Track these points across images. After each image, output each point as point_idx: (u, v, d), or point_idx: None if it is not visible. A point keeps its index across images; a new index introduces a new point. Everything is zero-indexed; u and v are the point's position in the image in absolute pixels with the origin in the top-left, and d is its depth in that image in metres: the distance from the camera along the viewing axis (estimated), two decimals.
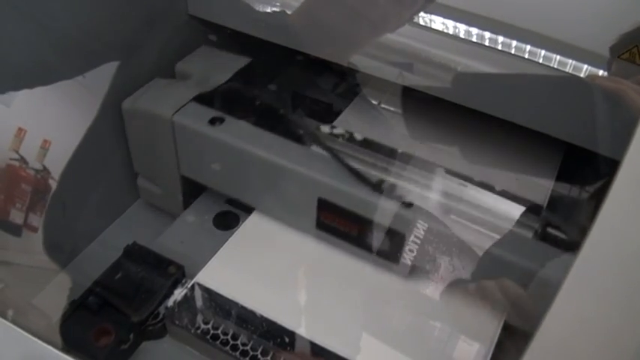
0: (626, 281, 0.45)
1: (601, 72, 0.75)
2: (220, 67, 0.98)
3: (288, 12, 0.94)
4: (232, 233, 0.88)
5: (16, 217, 0.78)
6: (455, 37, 0.81)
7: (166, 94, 0.90)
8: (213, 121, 0.86)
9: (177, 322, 0.81)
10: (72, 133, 0.85)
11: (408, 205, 0.75)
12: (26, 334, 0.60)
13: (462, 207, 0.79)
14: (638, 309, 0.44)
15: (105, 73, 0.89)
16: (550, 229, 0.78)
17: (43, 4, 0.82)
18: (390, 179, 0.79)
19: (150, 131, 0.90)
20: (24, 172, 0.77)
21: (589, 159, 0.79)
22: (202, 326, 0.82)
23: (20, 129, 0.76)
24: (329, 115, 1.01)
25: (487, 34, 0.79)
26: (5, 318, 0.62)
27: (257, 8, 0.95)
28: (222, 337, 0.81)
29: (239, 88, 0.97)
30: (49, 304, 0.79)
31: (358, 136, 0.89)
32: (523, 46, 0.77)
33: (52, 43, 0.83)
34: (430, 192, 0.81)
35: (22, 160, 0.76)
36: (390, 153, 0.86)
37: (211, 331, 0.81)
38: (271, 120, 0.91)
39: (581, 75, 0.75)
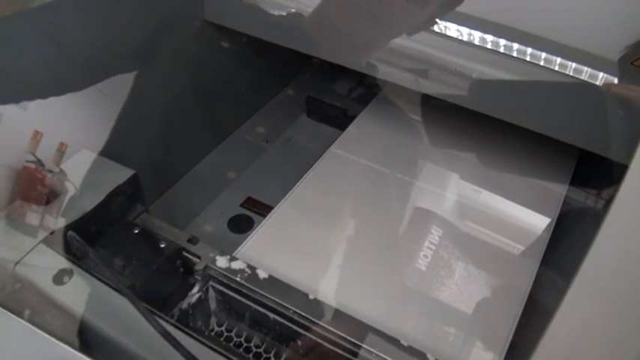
0: (632, 286, 0.45)
1: (616, 80, 0.75)
2: (94, 185, 0.79)
3: (304, 15, 0.93)
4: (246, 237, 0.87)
5: (32, 218, 0.78)
6: (470, 43, 0.81)
7: (12, 236, 0.74)
8: (58, 277, 0.69)
9: (190, 324, 0.82)
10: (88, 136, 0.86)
11: None
12: (44, 334, 0.61)
13: None
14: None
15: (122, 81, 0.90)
16: None
17: (56, 20, 0.83)
18: None
19: None
20: (40, 174, 0.77)
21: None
22: (216, 328, 0.83)
23: (37, 132, 0.76)
24: None
25: (502, 42, 0.79)
26: (22, 317, 0.63)
27: (273, 13, 0.95)
28: (235, 339, 0.81)
29: (105, 218, 0.78)
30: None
31: (262, 274, 0.72)
32: (538, 53, 0.77)
33: (64, 57, 0.84)
34: None
35: (39, 162, 0.77)
36: (298, 298, 0.70)
37: (225, 334, 0.82)
38: (143, 265, 0.75)
39: (597, 82, 0.75)
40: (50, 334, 0.61)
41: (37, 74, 0.82)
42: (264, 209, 1.06)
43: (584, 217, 0.91)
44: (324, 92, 1.27)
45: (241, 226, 1.02)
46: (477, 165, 0.96)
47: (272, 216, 0.84)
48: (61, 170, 0.78)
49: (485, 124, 0.85)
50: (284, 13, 0.94)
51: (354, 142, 0.99)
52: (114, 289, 0.67)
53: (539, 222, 0.86)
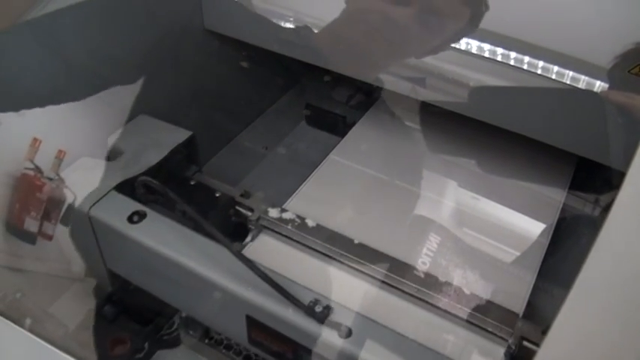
0: (627, 297, 0.45)
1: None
2: (155, 143, 0.87)
3: (301, 19, 0.93)
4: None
5: (31, 225, 0.78)
6: (467, 52, 0.82)
7: (88, 180, 0.80)
8: (132, 218, 0.75)
9: (191, 332, 0.82)
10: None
11: (347, 334, 0.64)
12: (43, 342, 0.61)
13: None
14: (637, 324, 0.44)
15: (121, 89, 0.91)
16: None
17: (56, 32, 0.84)
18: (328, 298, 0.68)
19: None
20: (39, 182, 0.77)
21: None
22: (216, 336, 0.82)
23: (35, 139, 0.76)
24: None
25: (499, 50, 0.79)
26: (22, 327, 0.63)
27: (271, 22, 0.95)
28: (235, 346, 0.81)
29: (170, 170, 0.86)
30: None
31: (310, 223, 0.80)
32: (535, 61, 0.78)
33: (63, 68, 0.84)
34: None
35: (37, 169, 0.77)
36: (344, 242, 0.78)
37: (224, 341, 0.82)
38: (203, 208, 0.82)
39: (595, 90, 0.75)
40: (51, 343, 0.61)
41: (38, 86, 0.82)
42: None
43: (583, 223, 0.91)
44: (323, 99, 1.27)
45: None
46: (475, 171, 0.96)
47: None
48: (60, 177, 0.78)
49: (483, 130, 0.85)
50: (283, 22, 0.94)
51: (353, 149, 0.99)
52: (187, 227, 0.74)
53: (537, 228, 0.86)
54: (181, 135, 0.88)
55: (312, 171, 0.94)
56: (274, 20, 0.95)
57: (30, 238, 0.78)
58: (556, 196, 0.90)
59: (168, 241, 0.72)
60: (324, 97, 1.28)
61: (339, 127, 1.21)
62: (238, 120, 1.22)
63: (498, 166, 0.97)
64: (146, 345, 0.77)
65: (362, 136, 1.03)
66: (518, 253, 0.83)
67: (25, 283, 0.76)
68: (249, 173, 1.18)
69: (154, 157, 0.84)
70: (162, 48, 0.97)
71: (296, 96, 1.32)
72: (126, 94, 0.91)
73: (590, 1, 0.75)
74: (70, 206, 0.77)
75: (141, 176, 0.79)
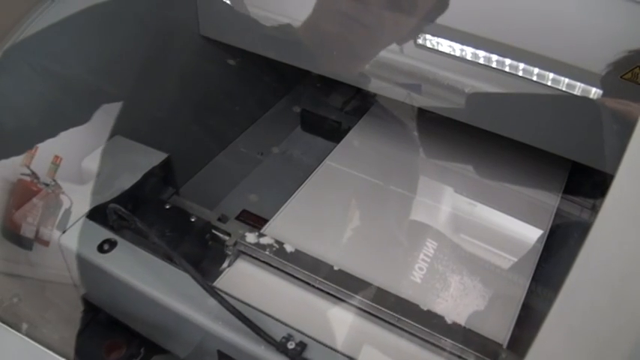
0: (614, 298, 0.45)
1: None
2: (130, 167, 0.85)
3: (296, 25, 0.93)
4: None
5: (27, 231, 0.78)
6: (462, 59, 0.82)
7: (58, 206, 0.79)
8: (102, 246, 0.74)
9: None
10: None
11: None
12: (39, 346, 0.61)
13: None
14: (623, 325, 0.45)
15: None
16: None
17: (55, 52, 0.84)
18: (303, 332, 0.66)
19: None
20: (35, 187, 0.78)
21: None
22: None
23: None
24: None
25: (494, 57, 0.80)
26: (19, 331, 0.63)
27: (267, 28, 0.95)
28: None
29: (145, 194, 0.84)
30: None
31: (289, 248, 0.78)
32: (531, 68, 0.78)
33: (62, 88, 0.85)
34: None
35: (34, 175, 0.77)
36: (322, 269, 0.75)
37: None
38: (179, 233, 0.81)
39: (590, 95, 0.76)
40: (48, 347, 0.61)
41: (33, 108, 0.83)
42: (259, 222, 1.06)
43: (576, 227, 0.92)
44: (319, 105, 1.28)
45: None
46: (470, 177, 0.97)
47: (264, 231, 0.84)
48: (56, 183, 0.78)
49: (478, 135, 0.86)
50: (277, 28, 0.94)
51: (348, 155, 1.00)
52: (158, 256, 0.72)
53: (531, 233, 0.87)
54: (157, 157, 0.86)
55: (307, 176, 0.94)
56: (269, 27, 0.95)
57: (27, 243, 0.78)
58: (550, 201, 0.91)
59: (137, 272, 0.71)
60: (319, 102, 1.29)
61: (334, 133, 1.21)
62: (233, 126, 1.22)
63: (492, 171, 0.97)
64: (142, 350, 0.77)
65: (357, 141, 1.04)
66: (512, 261, 0.83)
67: (21, 288, 0.76)
68: (245, 178, 1.18)
69: (127, 182, 0.82)
70: (158, 55, 0.97)
71: (291, 102, 1.32)
72: (119, 103, 0.91)
73: (584, 9, 0.76)
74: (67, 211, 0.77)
75: (112, 203, 0.77)
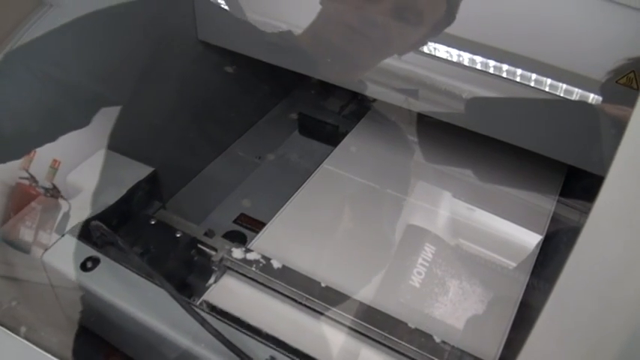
0: (602, 303, 0.46)
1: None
2: (115, 181, 0.83)
3: (294, 31, 0.93)
4: None
5: (26, 234, 0.78)
6: (459, 64, 0.82)
7: (44, 221, 0.78)
8: (85, 264, 0.73)
9: None
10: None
11: None
12: (39, 349, 0.61)
13: None
14: (612, 327, 0.45)
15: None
16: None
17: (55, 58, 0.85)
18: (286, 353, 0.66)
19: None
20: (34, 191, 0.78)
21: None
22: None
23: None
24: None
25: (492, 62, 0.80)
26: (18, 334, 0.63)
27: (264, 33, 0.96)
28: None
29: (130, 209, 0.83)
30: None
31: (276, 264, 0.76)
32: (528, 74, 0.79)
33: (60, 93, 0.85)
34: None
35: (32, 178, 0.77)
36: (310, 286, 0.74)
37: None
38: (164, 249, 0.80)
39: (588, 100, 0.76)
40: (47, 350, 0.61)
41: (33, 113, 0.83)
42: (257, 226, 1.06)
43: (572, 230, 0.92)
44: (316, 109, 1.28)
45: (234, 242, 1.02)
46: (467, 181, 0.97)
47: (261, 235, 0.84)
48: (55, 187, 0.78)
49: (475, 140, 0.86)
50: (275, 34, 0.95)
51: (345, 159, 1.00)
52: (140, 274, 0.71)
53: (528, 238, 0.87)
54: (142, 171, 0.85)
55: (305, 180, 0.94)
56: (267, 32, 0.96)
57: (25, 247, 0.78)
58: (546, 205, 0.91)
59: (119, 291, 0.70)
60: (317, 106, 1.29)
61: (331, 137, 1.22)
62: (231, 130, 1.22)
63: (489, 176, 0.98)
64: None
65: (354, 145, 1.04)
66: (510, 262, 0.84)
67: (20, 292, 0.76)
68: (242, 183, 1.19)
69: (112, 197, 0.81)
70: (155, 60, 0.97)
71: (289, 106, 1.33)
72: (117, 109, 0.91)
73: (581, 15, 0.76)
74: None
75: (95, 219, 0.76)
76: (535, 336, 0.46)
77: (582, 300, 0.46)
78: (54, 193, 0.79)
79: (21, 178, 0.77)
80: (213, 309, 0.72)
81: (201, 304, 0.73)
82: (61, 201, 0.79)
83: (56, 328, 0.71)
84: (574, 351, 0.46)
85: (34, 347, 0.61)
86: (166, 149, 1.03)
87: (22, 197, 0.78)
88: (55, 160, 0.79)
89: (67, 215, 0.78)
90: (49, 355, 0.60)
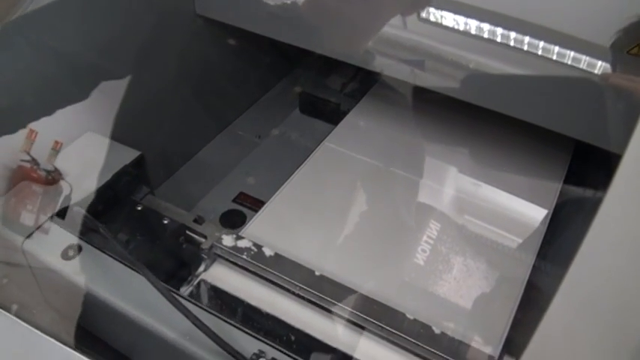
0: (613, 296, 0.45)
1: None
2: (100, 165, 0.81)
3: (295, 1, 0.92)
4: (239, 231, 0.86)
5: (27, 218, 0.77)
6: (466, 33, 0.81)
7: (24, 207, 0.75)
8: (67, 252, 0.71)
9: None
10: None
11: None
12: (32, 328, 0.60)
13: None
14: (623, 323, 0.45)
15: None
16: None
17: (55, 30, 0.83)
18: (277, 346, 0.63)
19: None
20: (35, 174, 0.77)
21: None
22: None
23: (31, 130, 0.75)
24: None
25: (499, 30, 0.79)
26: (9, 311, 0.62)
27: (262, 6, 0.94)
28: None
29: (116, 195, 0.80)
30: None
31: (267, 252, 0.73)
32: (536, 42, 0.77)
33: (64, 66, 0.84)
34: None
35: (34, 161, 0.76)
36: (303, 274, 0.71)
37: None
38: (151, 236, 0.78)
39: (595, 71, 0.75)
40: (39, 329, 0.60)
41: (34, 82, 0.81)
42: (256, 204, 1.06)
43: (580, 209, 0.91)
44: (318, 87, 1.27)
45: (234, 221, 1.02)
46: (470, 158, 0.97)
47: (262, 212, 0.83)
48: (56, 169, 0.77)
49: (480, 116, 0.85)
50: (275, 5, 0.93)
51: (347, 136, 0.99)
52: (124, 263, 0.69)
53: (535, 214, 0.86)
54: (129, 155, 0.83)
55: (305, 158, 0.93)
56: (266, 4, 0.94)
57: (26, 231, 0.78)
58: (553, 184, 0.91)
59: (101, 281, 0.68)
60: (318, 84, 1.28)
61: (333, 115, 1.21)
62: (231, 108, 1.21)
63: (495, 153, 0.97)
64: None
65: (356, 123, 1.03)
66: (516, 239, 0.83)
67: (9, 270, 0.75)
68: (242, 161, 1.18)
69: (96, 181, 0.78)
70: (153, 35, 0.96)
71: (290, 84, 1.32)
72: (117, 84, 0.90)
73: None
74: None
75: (78, 205, 0.74)
76: (540, 333, 0.45)
77: (599, 277, 0.46)
78: (55, 175, 0.78)
79: (22, 160, 0.76)
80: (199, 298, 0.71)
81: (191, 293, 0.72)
82: (62, 183, 0.79)
83: (45, 308, 0.71)
84: (595, 324, 0.45)
85: (26, 325, 0.60)
86: (164, 128, 1.02)
87: (23, 180, 0.77)
88: (56, 142, 0.78)
89: (54, 200, 0.76)
90: (41, 334, 0.59)
